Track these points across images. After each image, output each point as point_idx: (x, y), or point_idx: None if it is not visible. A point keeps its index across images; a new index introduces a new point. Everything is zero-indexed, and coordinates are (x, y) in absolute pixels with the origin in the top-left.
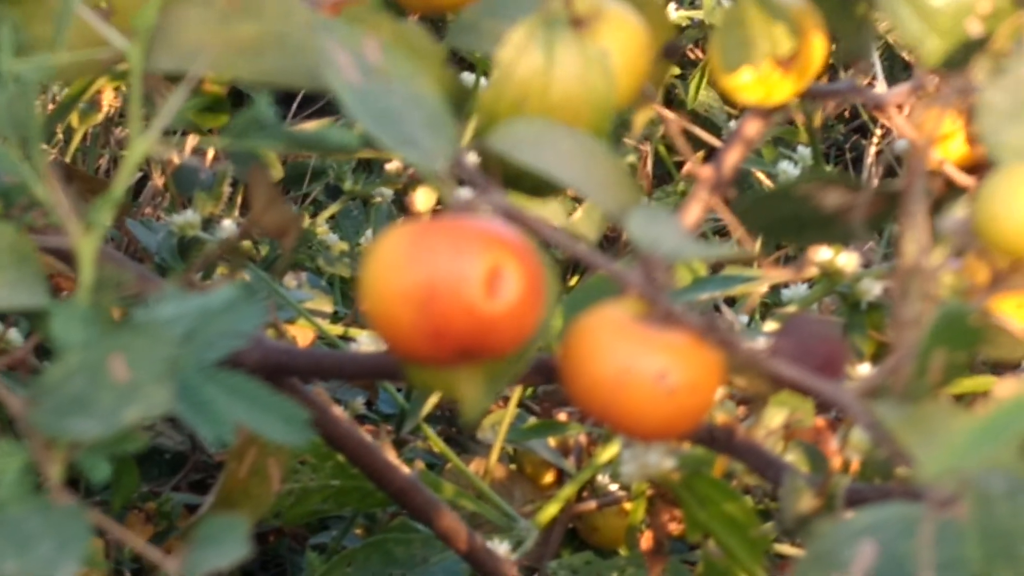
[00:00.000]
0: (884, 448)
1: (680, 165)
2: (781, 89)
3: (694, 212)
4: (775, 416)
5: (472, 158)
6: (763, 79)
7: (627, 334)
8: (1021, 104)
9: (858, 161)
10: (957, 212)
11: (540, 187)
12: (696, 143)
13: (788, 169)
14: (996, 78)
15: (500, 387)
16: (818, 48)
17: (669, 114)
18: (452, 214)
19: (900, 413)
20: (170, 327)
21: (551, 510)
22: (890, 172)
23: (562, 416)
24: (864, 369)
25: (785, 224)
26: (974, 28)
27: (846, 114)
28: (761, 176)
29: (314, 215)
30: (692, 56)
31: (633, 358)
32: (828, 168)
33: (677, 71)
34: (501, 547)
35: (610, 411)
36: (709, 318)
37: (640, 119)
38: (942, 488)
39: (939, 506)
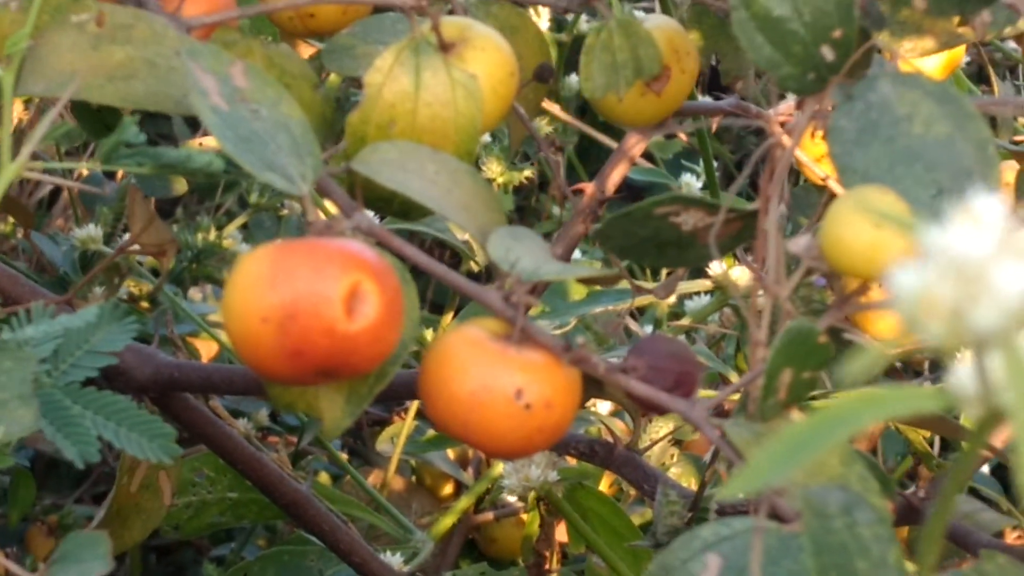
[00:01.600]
0: (736, 464)
1: (593, 173)
2: (653, 110)
3: (577, 229)
4: (660, 428)
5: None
6: (634, 101)
7: (484, 353)
8: (867, 130)
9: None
10: (807, 234)
11: (408, 209)
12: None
13: (691, 182)
14: (846, 103)
15: (360, 405)
16: (690, 71)
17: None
18: (313, 235)
19: (748, 431)
20: (36, 347)
21: (447, 521)
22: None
23: None
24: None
25: (644, 244)
26: (827, 54)
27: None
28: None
29: (226, 226)
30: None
31: (490, 376)
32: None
33: None
34: (394, 559)
35: (469, 429)
36: (566, 338)
37: (515, 141)
38: (789, 501)
39: (783, 520)
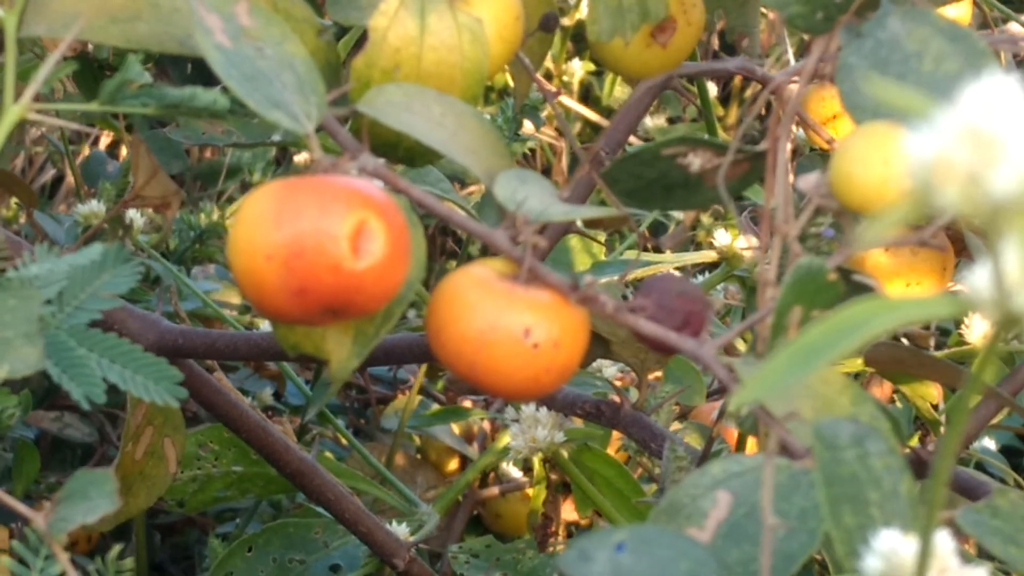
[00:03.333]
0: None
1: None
2: (658, 61)
3: (587, 177)
4: (666, 390)
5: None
6: (639, 50)
7: (492, 292)
8: (877, 67)
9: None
10: (816, 171)
11: (413, 154)
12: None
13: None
14: (855, 41)
15: (367, 346)
16: (696, 23)
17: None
18: (318, 173)
19: (757, 368)
20: (41, 287)
21: (452, 494)
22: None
23: (466, 403)
24: None
25: (652, 187)
26: None
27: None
28: None
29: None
30: None
31: (498, 315)
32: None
33: (592, 68)
34: (400, 529)
35: (476, 368)
36: (573, 277)
37: (521, 92)
38: (800, 440)
39: (793, 457)
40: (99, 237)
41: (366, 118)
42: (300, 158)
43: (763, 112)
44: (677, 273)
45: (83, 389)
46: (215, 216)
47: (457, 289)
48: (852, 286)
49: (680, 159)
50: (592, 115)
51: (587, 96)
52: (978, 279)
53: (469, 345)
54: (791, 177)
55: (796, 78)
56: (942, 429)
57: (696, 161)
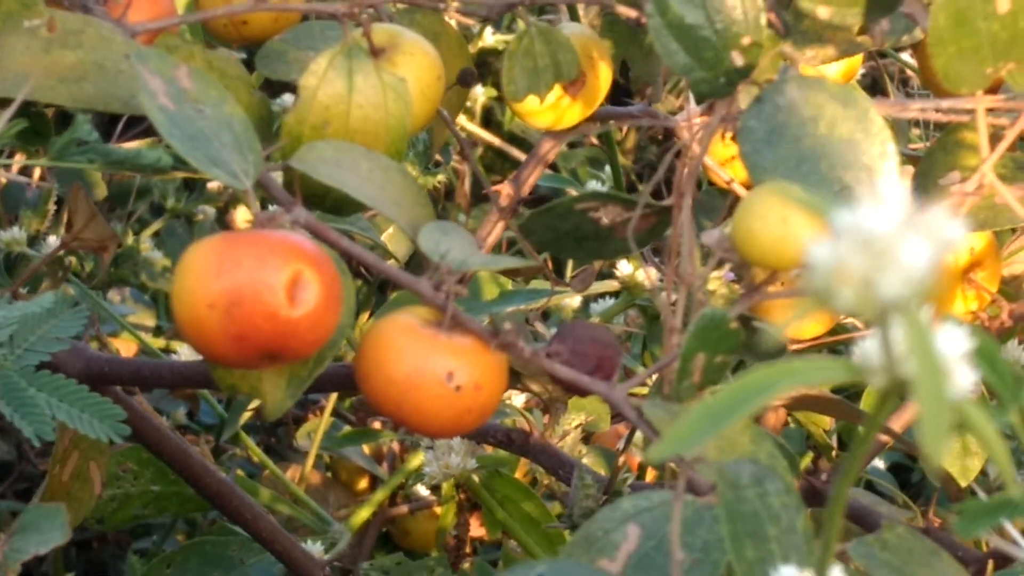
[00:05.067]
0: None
1: (497, 183)
2: (570, 114)
3: (494, 227)
4: (572, 419)
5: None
6: (552, 105)
7: (417, 338)
8: (776, 131)
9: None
10: (719, 227)
11: (341, 205)
12: (513, 163)
13: (597, 187)
14: (755, 106)
15: (300, 387)
16: (604, 76)
17: (487, 135)
18: (256, 227)
19: (664, 410)
20: None
21: (363, 513)
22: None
23: (376, 424)
24: None
25: (565, 238)
26: (737, 60)
27: (659, 136)
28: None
29: (138, 232)
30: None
31: (423, 360)
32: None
33: (495, 93)
34: (315, 548)
35: (403, 409)
36: (493, 324)
37: (438, 142)
38: (704, 478)
39: (698, 493)
40: (38, 276)
41: (298, 172)
42: (213, 185)
43: (660, 137)
44: (590, 321)
45: (34, 427)
46: (129, 239)
47: (385, 335)
48: (753, 331)
49: (592, 213)
50: (494, 140)
51: (488, 120)
52: (869, 349)
53: (396, 388)
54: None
55: (699, 130)
56: (834, 453)
57: (607, 215)
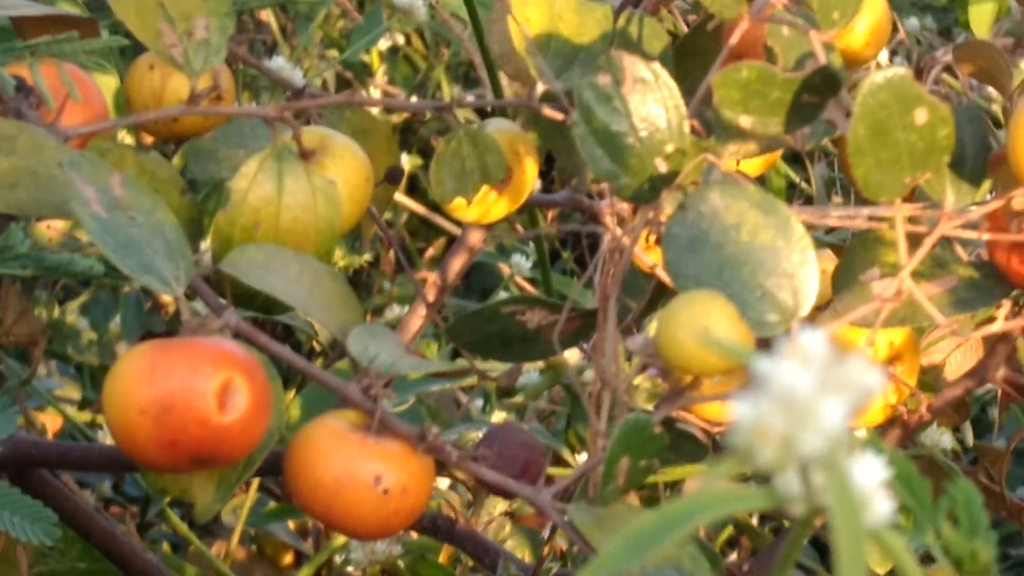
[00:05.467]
0: (578, 545)
1: (423, 251)
2: (497, 209)
3: (418, 317)
4: (497, 504)
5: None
6: (479, 201)
7: (345, 442)
8: (699, 238)
9: (594, 247)
10: (643, 332)
11: (271, 306)
12: (437, 230)
13: (521, 262)
14: (679, 213)
15: (230, 490)
16: (530, 171)
17: (411, 203)
18: (187, 333)
19: (589, 514)
20: None
21: None
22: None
23: None
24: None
25: (492, 340)
26: (661, 167)
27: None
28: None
29: (63, 301)
30: (434, 145)
31: (351, 464)
32: (565, 254)
33: (419, 161)
34: None
35: (331, 513)
36: (421, 427)
37: (366, 237)
38: None
39: None
40: None
41: (229, 276)
42: None
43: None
44: (516, 424)
45: None
46: (55, 311)
47: (313, 439)
48: (675, 432)
49: (519, 316)
50: (418, 208)
51: (413, 187)
52: (789, 480)
53: (324, 491)
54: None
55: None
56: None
57: (534, 318)
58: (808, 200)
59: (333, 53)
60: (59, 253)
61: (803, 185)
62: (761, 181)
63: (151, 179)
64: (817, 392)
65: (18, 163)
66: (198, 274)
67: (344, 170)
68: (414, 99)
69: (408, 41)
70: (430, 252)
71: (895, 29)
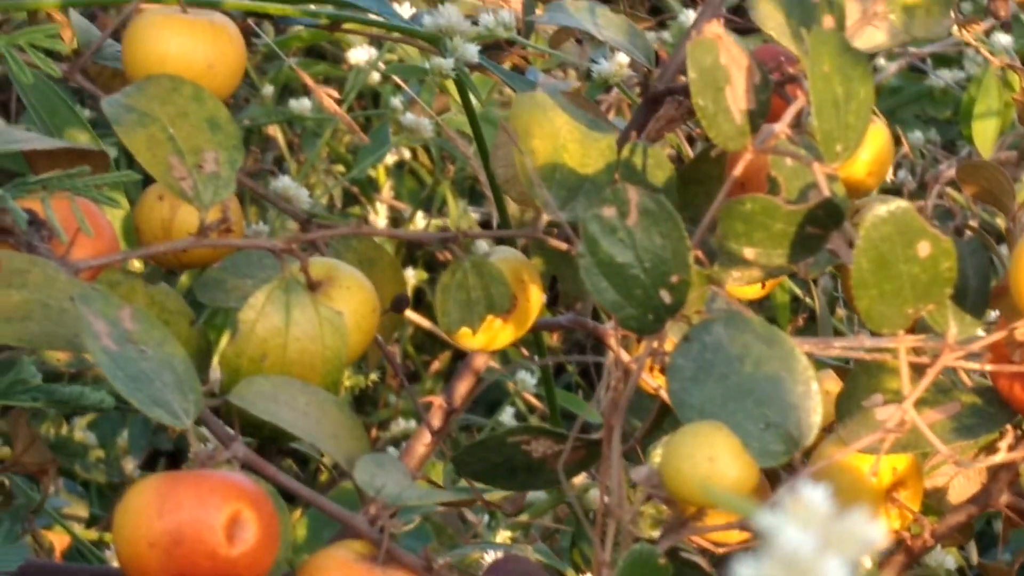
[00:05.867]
0: None
1: (428, 364)
2: (503, 336)
3: (423, 444)
4: None
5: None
6: (485, 328)
7: (351, 573)
8: (703, 369)
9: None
10: (648, 464)
11: (278, 435)
12: (442, 343)
13: (526, 378)
14: (683, 344)
15: None
16: (535, 298)
17: (417, 317)
18: (196, 465)
19: None
20: None
21: None
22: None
23: None
24: None
25: (497, 470)
26: (666, 297)
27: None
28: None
29: (71, 417)
30: (441, 259)
31: None
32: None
33: (425, 276)
34: None
35: None
36: (426, 557)
37: (372, 363)
38: None
39: None
40: None
41: (237, 407)
42: None
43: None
44: (520, 555)
45: None
46: (63, 428)
47: (319, 570)
48: (680, 562)
49: (524, 446)
50: (424, 322)
51: (419, 301)
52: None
53: None
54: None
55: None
56: None
57: (539, 448)
58: (812, 315)
59: (340, 168)
60: (69, 385)
61: (807, 300)
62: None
63: (160, 310)
64: (819, 551)
65: (30, 296)
66: (206, 405)
67: (351, 301)
68: (419, 215)
69: (415, 155)
70: (435, 366)
71: (899, 143)
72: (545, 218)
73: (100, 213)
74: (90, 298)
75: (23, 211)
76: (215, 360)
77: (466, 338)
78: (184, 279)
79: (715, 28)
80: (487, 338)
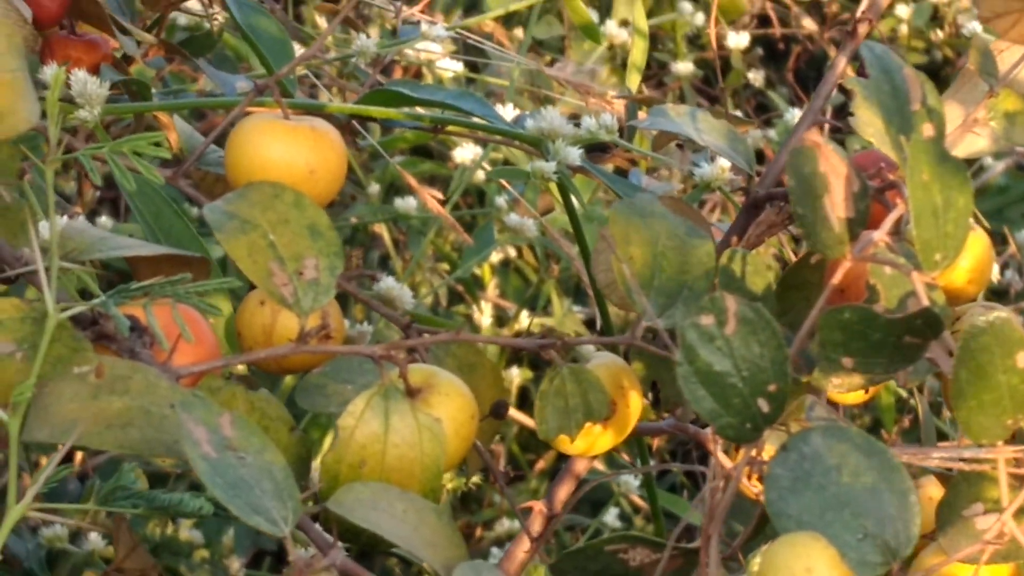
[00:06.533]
0: None
1: (533, 463)
2: (602, 442)
3: (523, 550)
4: None
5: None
6: (585, 435)
7: None
8: (801, 479)
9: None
10: (746, 573)
11: (376, 542)
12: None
13: (629, 480)
14: (781, 454)
15: None
16: (635, 404)
17: (522, 416)
18: (295, 573)
19: None
20: None
21: None
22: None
23: None
24: None
25: None
26: (764, 406)
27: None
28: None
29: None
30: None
31: None
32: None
33: (530, 375)
34: None
35: None
36: None
37: (472, 470)
38: None
39: None
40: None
41: (334, 513)
42: None
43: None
44: None
45: None
46: (169, 528)
47: None
48: None
49: (622, 554)
50: (529, 421)
51: (523, 400)
52: None
53: None
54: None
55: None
56: None
57: (636, 556)
58: (918, 416)
59: (445, 267)
60: (169, 492)
61: (912, 401)
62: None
63: (261, 417)
64: None
65: (131, 403)
66: (306, 512)
67: (450, 408)
68: (524, 314)
69: (520, 253)
70: (541, 465)
71: (1005, 243)
72: (644, 324)
73: (201, 319)
74: (191, 405)
75: (125, 317)
76: (315, 464)
77: (565, 444)
78: (288, 380)
79: (815, 136)
80: (586, 444)
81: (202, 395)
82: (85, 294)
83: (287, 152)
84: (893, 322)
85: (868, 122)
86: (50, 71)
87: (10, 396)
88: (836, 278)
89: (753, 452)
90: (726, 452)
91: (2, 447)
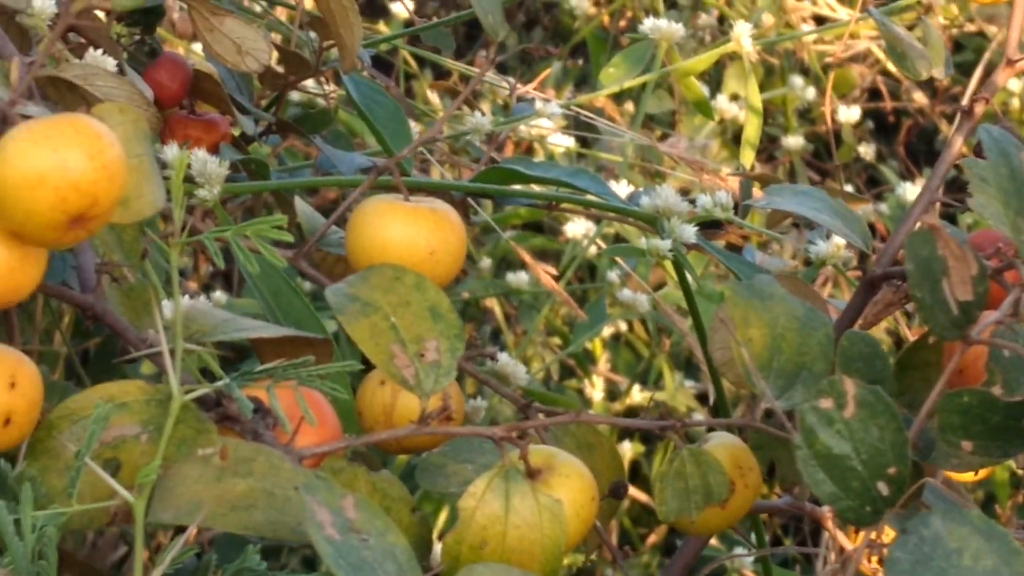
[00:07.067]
0: None
1: (644, 537)
2: (719, 521)
3: None
4: None
5: None
6: (703, 516)
7: None
8: (921, 562)
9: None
10: None
11: None
12: (656, 519)
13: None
14: (901, 537)
15: None
16: (753, 483)
17: (635, 491)
18: None
19: None
20: None
21: None
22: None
23: None
24: None
25: None
26: (883, 489)
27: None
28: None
29: None
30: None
31: None
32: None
33: (642, 448)
34: None
35: None
36: None
37: (591, 549)
38: None
39: None
40: None
41: None
42: None
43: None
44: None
45: None
46: None
47: None
48: None
49: None
50: (641, 495)
51: (635, 474)
52: None
53: None
54: None
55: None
56: None
57: None
58: None
59: (556, 341)
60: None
61: None
62: None
63: (383, 498)
64: None
65: (255, 485)
66: None
67: (570, 489)
68: (636, 388)
69: (631, 327)
70: (652, 539)
71: None
72: (763, 406)
73: (323, 401)
74: (314, 487)
75: (249, 400)
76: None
77: (684, 524)
78: (401, 456)
79: (932, 219)
80: (704, 524)
81: (325, 477)
82: (206, 374)
83: (408, 234)
84: (1013, 406)
85: (986, 204)
86: (172, 152)
87: (136, 478)
88: (954, 363)
89: (872, 534)
90: (842, 530)
91: (127, 526)
